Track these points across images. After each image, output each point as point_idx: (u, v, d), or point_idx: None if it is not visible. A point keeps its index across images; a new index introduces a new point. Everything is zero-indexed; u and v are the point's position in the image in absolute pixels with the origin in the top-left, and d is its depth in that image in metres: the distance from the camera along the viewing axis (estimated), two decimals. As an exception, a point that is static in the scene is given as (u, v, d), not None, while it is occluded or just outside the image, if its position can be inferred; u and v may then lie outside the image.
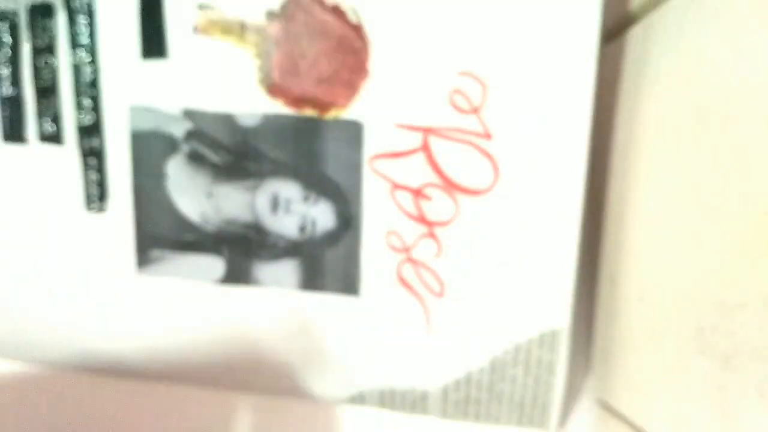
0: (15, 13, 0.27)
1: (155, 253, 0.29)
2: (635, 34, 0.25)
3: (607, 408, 0.28)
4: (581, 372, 0.30)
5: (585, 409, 0.30)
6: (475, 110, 0.25)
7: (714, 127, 0.19)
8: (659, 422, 0.24)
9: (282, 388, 0.30)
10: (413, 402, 0.29)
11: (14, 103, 0.28)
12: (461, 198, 0.26)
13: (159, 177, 0.28)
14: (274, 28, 0.26)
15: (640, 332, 0.25)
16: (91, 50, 0.27)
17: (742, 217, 0.18)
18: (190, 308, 0.29)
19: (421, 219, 0.27)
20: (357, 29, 0.25)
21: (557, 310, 0.27)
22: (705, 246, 0.20)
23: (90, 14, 0.27)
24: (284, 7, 0.25)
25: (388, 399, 0.29)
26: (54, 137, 0.28)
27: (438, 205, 0.26)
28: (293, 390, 0.30)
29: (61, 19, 0.27)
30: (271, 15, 0.26)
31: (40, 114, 0.28)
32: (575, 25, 0.24)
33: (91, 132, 0.28)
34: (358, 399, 0.29)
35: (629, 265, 0.26)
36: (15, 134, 0.28)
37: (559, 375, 0.27)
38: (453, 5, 0.24)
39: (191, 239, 0.28)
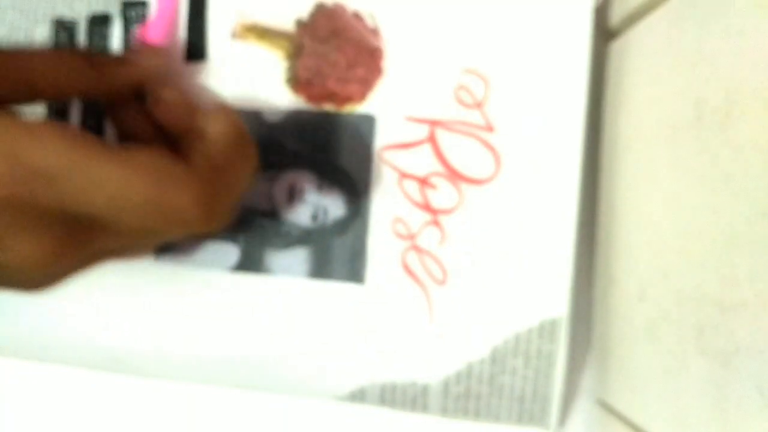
0: (74, 23, 0.31)
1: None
2: (626, 36, 0.28)
3: (606, 407, 0.28)
4: (580, 370, 0.30)
5: (584, 409, 0.29)
6: (479, 105, 0.28)
7: (713, 126, 0.20)
8: (659, 422, 0.24)
9: (286, 383, 0.30)
10: (414, 397, 0.29)
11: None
12: (464, 187, 0.28)
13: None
14: (303, 34, 0.29)
15: (639, 331, 0.25)
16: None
17: (742, 217, 0.18)
18: (203, 297, 0.30)
19: (426, 207, 0.28)
20: (374, 33, 0.29)
21: (556, 299, 0.28)
22: (705, 245, 0.20)
23: (143, 24, 0.30)
24: (312, 15, 0.29)
25: (389, 394, 0.29)
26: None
27: (442, 194, 0.28)
28: (296, 385, 0.30)
29: (117, 28, 0.31)
30: (300, 23, 0.29)
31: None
32: (569, 28, 0.27)
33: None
34: (359, 395, 0.29)
35: (628, 265, 0.26)
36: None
37: (559, 366, 0.28)
38: (459, 10, 0.28)
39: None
